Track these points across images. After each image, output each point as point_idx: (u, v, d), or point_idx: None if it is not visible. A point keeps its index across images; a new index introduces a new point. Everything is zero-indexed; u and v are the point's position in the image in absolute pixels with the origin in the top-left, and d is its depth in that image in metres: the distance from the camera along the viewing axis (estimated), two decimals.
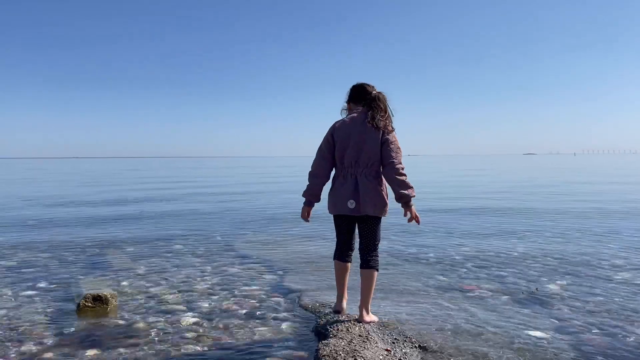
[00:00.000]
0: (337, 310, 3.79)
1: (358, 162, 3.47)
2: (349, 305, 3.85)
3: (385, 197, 3.51)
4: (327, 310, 3.96)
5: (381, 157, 3.46)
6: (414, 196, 3.44)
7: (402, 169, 3.44)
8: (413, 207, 3.44)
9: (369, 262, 3.55)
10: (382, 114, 3.50)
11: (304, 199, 3.65)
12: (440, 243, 7.08)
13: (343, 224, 3.66)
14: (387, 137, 3.46)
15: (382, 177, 3.52)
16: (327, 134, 3.59)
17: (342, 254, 3.69)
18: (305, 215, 3.69)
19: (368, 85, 3.65)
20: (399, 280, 5.04)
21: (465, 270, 5.45)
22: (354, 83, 3.71)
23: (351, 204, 3.45)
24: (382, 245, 6.91)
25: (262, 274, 5.33)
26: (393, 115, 3.59)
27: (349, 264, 3.71)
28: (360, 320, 3.58)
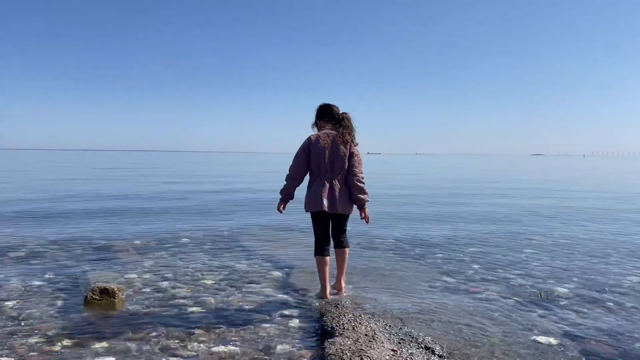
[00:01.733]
0: (323, 296, 4.32)
1: (333, 170, 4.20)
2: (356, 299, 3.85)
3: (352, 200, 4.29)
4: (333, 309, 3.96)
5: (347, 166, 4.23)
6: (368, 201, 4.30)
7: (362, 178, 4.29)
8: (367, 209, 4.33)
9: (342, 243, 4.39)
10: (348, 131, 4.28)
11: (280, 196, 4.32)
12: (447, 243, 7.06)
13: (321, 219, 4.29)
14: (353, 150, 4.26)
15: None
16: (304, 145, 4.23)
17: (323, 250, 4.30)
18: (281, 209, 4.37)
19: (334, 105, 4.41)
20: (405, 280, 5.03)
21: (472, 271, 5.43)
22: (321, 103, 4.44)
23: (326, 202, 4.15)
24: (389, 244, 6.91)
25: (269, 271, 5.33)
26: (356, 131, 4.34)
27: (329, 258, 4.33)
28: (338, 289, 4.40)
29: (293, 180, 4.27)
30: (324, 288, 4.35)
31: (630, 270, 5.52)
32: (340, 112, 4.37)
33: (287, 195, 4.31)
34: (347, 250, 4.42)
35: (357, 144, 4.32)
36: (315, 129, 4.45)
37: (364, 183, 4.27)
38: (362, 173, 4.29)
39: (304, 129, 4.53)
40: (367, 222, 4.41)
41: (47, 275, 4.99)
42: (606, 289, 4.77)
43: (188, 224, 8.65)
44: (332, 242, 4.42)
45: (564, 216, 10.26)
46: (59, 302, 4.17)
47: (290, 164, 4.26)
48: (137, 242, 6.86)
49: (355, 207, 4.35)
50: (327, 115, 4.37)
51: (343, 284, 4.45)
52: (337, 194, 4.17)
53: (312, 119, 4.48)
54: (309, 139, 4.25)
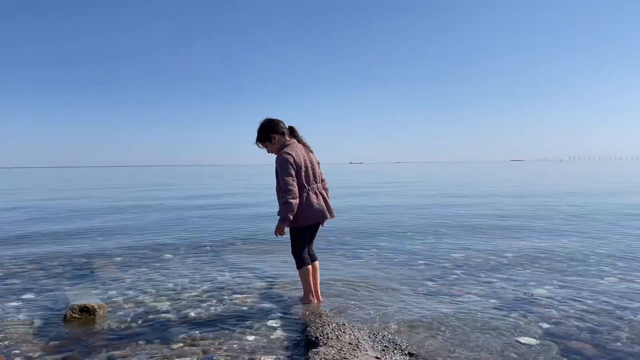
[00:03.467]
0: (309, 302, 4.44)
1: (315, 180, 4.31)
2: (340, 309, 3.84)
3: None
4: (317, 319, 3.96)
5: None
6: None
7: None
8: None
9: (315, 255, 4.56)
10: (305, 141, 4.40)
11: (282, 217, 4.09)
12: (430, 249, 7.11)
13: (310, 232, 4.40)
14: (317, 159, 4.42)
15: None
16: (290, 162, 4.12)
17: (307, 258, 4.37)
18: (284, 231, 4.19)
19: (278, 119, 4.34)
20: (388, 287, 5.04)
21: (455, 276, 5.47)
22: (263, 119, 4.33)
23: (328, 212, 4.32)
24: (373, 254, 6.94)
25: (252, 282, 5.31)
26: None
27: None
28: (318, 300, 4.51)
29: (296, 199, 4.08)
30: (311, 294, 4.46)
31: (608, 270, 5.63)
32: (286, 124, 4.37)
33: (293, 215, 4.10)
34: (318, 262, 4.61)
35: None
36: (264, 146, 4.34)
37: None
38: None
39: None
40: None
41: (25, 296, 4.90)
42: (585, 289, 4.85)
43: (169, 238, 8.58)
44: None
45: (544, 219, 10.40)
46: (38, 322, 4.09)
47: (286, 183, 4.07)
48: (118, 258, 6.77)
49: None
50: (280, 129, 4.28)
51: (320, 296, 4.60)
52: (328, 202, 4.37)
53: (255, 135, 4.33)
54: (290, 155, 4.13)
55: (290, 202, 4.06)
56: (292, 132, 4.37)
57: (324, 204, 4.28)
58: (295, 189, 4.09)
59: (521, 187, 23.71)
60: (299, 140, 4.38)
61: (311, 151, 4.39)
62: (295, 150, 4.21)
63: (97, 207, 15.39)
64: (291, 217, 4.10)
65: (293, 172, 4.11)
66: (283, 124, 4.33)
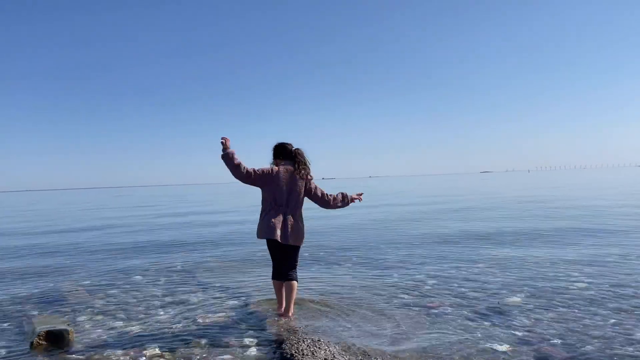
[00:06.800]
0: (280, 314, 4.61)
1: (288, 204, 4.48)
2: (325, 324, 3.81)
3: (304, 232, 4.59)
4: (292, 336, 3.92)
5: (314, 200, 4.62)
6: (346, 195, 4.68)
7: (328, 194, 4.65)
8: (350, 195, 4.71)
9: (290, 276, 4.57)
10: (303, 166, 4.55)
11: (225, 153, 4.35)
12: (402, 262, 7.15)
13: (272, 249, 4.55)
14: (310, 186, 4.58)
15: (301, 215, 4.59)
16: (269, 168, 4.46)
17: (277, 275, 4.63)
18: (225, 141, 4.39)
19: (287, 143, 4.64)
20: (363, 301, 5.04)
21: (429, 287, 5.51)
22: (276, 143, 4.66)
23: (279, 233, 4.39)
24: (346, 269, 6.93)
25: (225, 301, 5.24)
26: (310, 164, 4.64)
27: (282, 282, 4.63)
28: (285, 317, 4.54)
29: (239, 167, 4.34)
30: (279, 305, 4.71)
31: (577, 276, 5.75)
32: (294, 148, 4.62)
33: (232, 154, 4.35)
34: (293, 283, 4.56)
35: (312, 178, 4.61)
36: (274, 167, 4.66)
37: (331, 196, 4.65)
38: (325, 193, 4.66)
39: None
40: (360, 199, 4.74)
41: None
42: (555, 296, 4.94)
43: (140, 259, 8.40)
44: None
45: (514, 229, 10.59)
46: (3, 351, 3.93)
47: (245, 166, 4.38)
48: (87, 282, 6.59)
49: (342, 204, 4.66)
50: (282, 153, 4.61)
51: (290, 315, 4.55)
52: (289, 226, 4.42)
53: (270, 155, 4.68)
54: (272, 168, 4.48)
55: (232, 157, 4.34)
56: (295, 155, 4.55)
57: (280, 227, 4.38)
58: (243, 169, 4.34)
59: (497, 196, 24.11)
60: (298, 163, 4.51)
61: (304, 177, 4.51)
62: (280, 170, 4.48)
63: (61, 229, 14.99)
64: (224, 158, 4.35)
65: (258, 172, 4.40)
66: (287, 148, 4.59)
